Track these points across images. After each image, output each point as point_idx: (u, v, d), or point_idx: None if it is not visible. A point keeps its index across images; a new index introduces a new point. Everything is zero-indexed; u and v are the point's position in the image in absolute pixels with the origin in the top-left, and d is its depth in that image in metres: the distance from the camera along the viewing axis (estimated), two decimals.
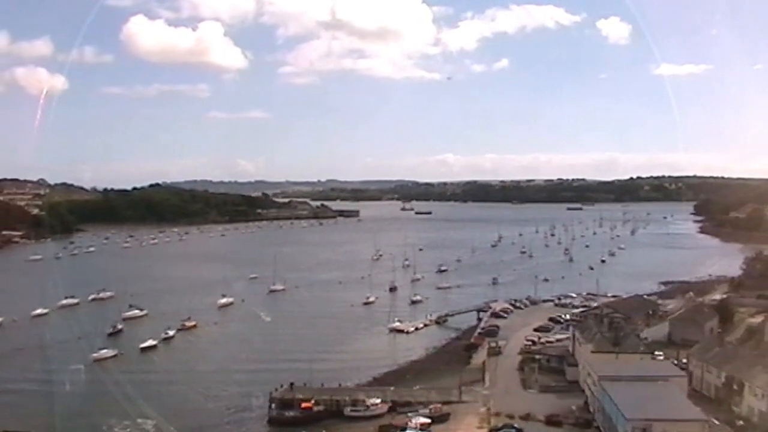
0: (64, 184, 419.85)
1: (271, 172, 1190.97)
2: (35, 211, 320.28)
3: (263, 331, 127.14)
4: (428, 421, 70.23)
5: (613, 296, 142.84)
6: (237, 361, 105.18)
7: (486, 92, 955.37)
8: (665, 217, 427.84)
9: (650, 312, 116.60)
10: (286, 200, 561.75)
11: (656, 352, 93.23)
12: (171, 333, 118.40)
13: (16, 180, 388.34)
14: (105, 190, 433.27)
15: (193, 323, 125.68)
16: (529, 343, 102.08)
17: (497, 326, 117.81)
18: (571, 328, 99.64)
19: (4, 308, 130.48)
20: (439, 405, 74.29)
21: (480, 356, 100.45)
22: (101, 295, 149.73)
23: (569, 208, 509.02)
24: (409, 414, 72.58)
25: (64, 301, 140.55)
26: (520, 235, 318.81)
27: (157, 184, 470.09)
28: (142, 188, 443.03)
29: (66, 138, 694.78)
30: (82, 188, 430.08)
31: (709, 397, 76.30)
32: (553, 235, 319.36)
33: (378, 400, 76.92)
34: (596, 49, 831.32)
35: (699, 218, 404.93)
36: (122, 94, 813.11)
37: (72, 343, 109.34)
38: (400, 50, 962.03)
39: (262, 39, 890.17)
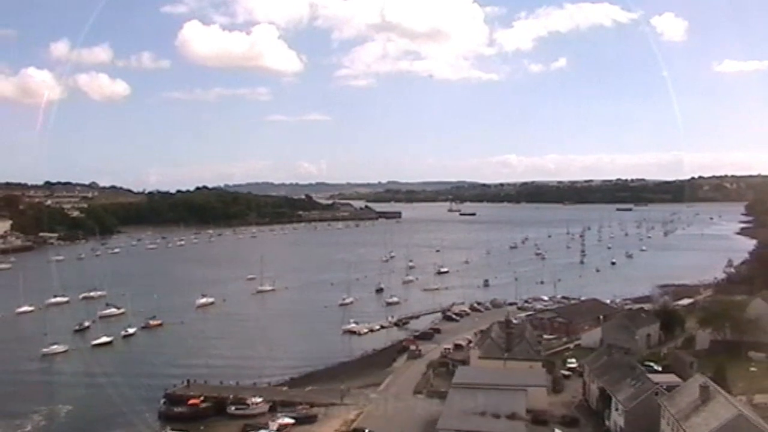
0: (113, 187, 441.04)
1: (332, 174, 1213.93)
2: (75, 213, 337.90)
3: (223, 331, 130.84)
4: (291, 421, 71.52)
5: (587, 300, 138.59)
6: (177, 358, 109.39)
7: (545, 92, 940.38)
8: (711, 218, 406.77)
9: (601, 317, 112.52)
10: (329, 202, 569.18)
11: (569, 360, 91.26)
12: (131, 331, 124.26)
13: (68, 183, 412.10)
14: (149, 192, 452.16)
15: (158, 322, 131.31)
16: (450, 347, 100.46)
17: (437, 329, 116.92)
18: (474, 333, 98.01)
19: None
20: (307, 406, 75.27)
21: (403, 359, 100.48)
22: (92, 293, 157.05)
23: (618, 209, 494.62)
24: (278, 414, 73.99)
25: (53, 300, 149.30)
26: (549, 236, 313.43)
27: (204, 187, 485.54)
28: (187, 191, 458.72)
29: (128, 142, 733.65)
30: (129, 191, 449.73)
31: (592, 409, 74.07)
32: (582, 236, 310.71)
33: (260, 399, 78.55)
34: (654, 46, 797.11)
35: (747, 219, 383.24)
36: (182, 99, 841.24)
37: (36, 338, 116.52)
38: (455, 51, 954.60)
39: (317, 42, 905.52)
